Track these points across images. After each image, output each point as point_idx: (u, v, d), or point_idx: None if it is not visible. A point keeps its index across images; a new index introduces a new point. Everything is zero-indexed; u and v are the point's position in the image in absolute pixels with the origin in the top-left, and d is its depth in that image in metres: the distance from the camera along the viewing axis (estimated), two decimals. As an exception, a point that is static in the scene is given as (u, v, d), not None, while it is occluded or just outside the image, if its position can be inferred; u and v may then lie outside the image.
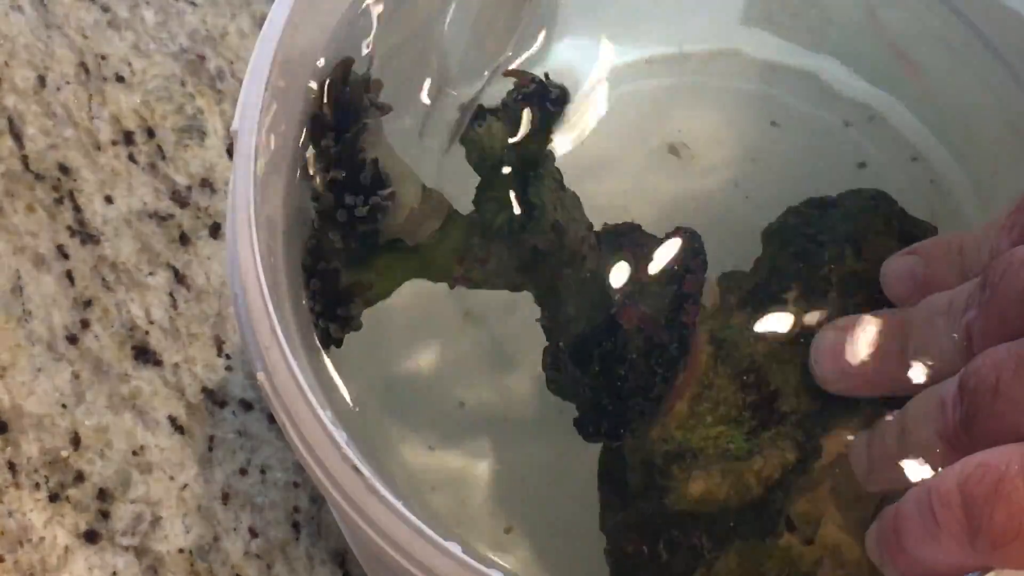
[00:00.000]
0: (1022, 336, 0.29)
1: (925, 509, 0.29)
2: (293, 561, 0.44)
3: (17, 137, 0.50)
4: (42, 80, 0.51)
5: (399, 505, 0.30)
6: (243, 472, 0.45)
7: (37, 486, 0.44)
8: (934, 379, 0.32)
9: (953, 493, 0.28)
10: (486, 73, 0.39)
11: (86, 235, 0.48)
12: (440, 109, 0.39)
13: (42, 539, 0.43)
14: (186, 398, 0.46)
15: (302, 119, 0.37)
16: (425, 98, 0.40)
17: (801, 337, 0.36)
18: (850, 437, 0.34)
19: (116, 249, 0.48)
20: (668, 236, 0.38)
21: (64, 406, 0.45)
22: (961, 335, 0.31)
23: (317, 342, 0.36)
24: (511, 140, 0.38)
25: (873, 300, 0.36)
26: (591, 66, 0.45)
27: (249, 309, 0.32)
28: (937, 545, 0.28)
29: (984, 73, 0.43)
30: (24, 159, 0.50)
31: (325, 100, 0.37)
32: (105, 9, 0.53)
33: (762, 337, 0.36)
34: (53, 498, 0.44)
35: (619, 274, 0.37)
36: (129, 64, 0.52)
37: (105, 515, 0.44)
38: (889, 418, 0.33)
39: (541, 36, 0.43)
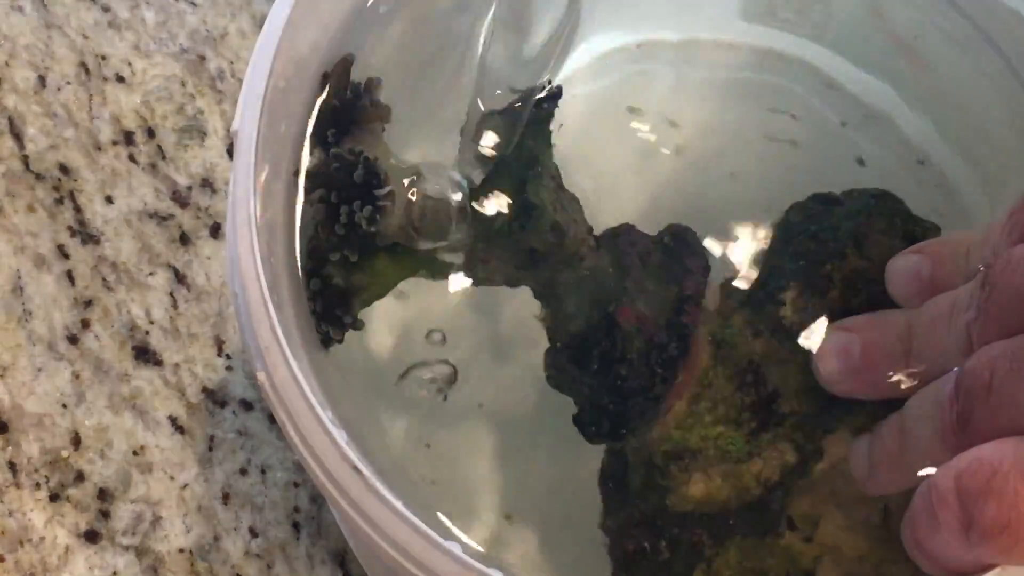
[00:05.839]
0: (1019, 334, 0.29)
1: (928, 504, 0.29)
2: (293, 561, 0.44)
3: (17, 137, 0.50)
4: (42, 80, 0.51)
5: (399, 505, 0.30)
6: (243, 472, 0.45)
7: (37, 486, 0.44)
8: (936, 380, 0.32)
9: (950, 488, 0.28)
10: (523, 94, 0.39)
11: (86, 235, 0.48)
12: (473, 119, 0.38)
13: (42, 539, 0.43)
14: (186, 398, 0.46)
15: (302, 119, 0.37)
16: (447, 105, 0.39)
17: (801, 337, 0.36)
18: (851, 438, 0.34)
19: (116, 249, 0.48)
20: (661, 233, 0.38)
21: (64, 406, 0.45)
22: (962, 335, 0.31)
23: (317, 342, 0.36)
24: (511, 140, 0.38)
25: (875, 299, 0.36)
26: (590, 61, 0.45)
27: (249, 309, 0.32)
28: (940, 538, 0.29)
29: (989, 71, 0.43)
30: (24, 159, 0.50)
31: (325, 101, 0.37)
32: (105, 9, 0.53)
33: (761, 337, 0.36)
34: (53, 498, 0.44)
35: (617, 274, 0.37)
36: (129, 64, 0.52)
37: (105, 515, 0.44)
38: (889, 419, 0.33)
39: (573, 48, 0.43)
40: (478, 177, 0.38)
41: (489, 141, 0.38)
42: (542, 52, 0.41)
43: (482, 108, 0.38)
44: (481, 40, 0.40)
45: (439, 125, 0.39)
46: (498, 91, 0.39)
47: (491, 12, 0.40)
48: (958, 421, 0.30)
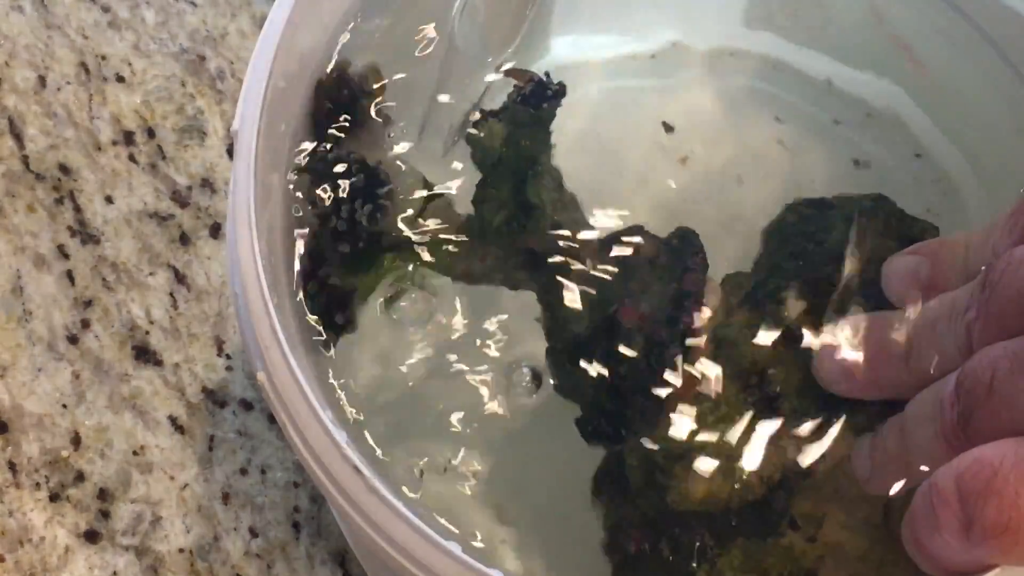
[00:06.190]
0: (1020, 335, 0.29)
1: (928, 504, 0.29)
2: (293, 561, 0.44)
3: (17, 137, 0.50)
4: (42, 80, 0.51)
5: (399, 505, 0.30)
6: (243, 472, 0.45)
7: (37, 486, 0.44)
8: (936, 381, 0.32)
9: (950, 488, 0.28)
10: (491, 74, 0.39)
11: (86, 235, 0.48)
12: (441, 110, 0.39)
13: (42, 539, 0.43)
14: (186, 398, 0.46)
15: (302, 119, 0.37)
16: (427, 99, 0.39)
17: (802, 337, 0.36)
18: (852, 437, 0.34)
19: (116, 249, 0.48)
20: (669, 235, 0.38)
21: (64, 406, 0.45)
22: (962, 336, 0.31)
23: (317, 342, 0.36)
24: (511, 140, 0.38)
25: (873, 300, 0.36)
26: (590, 63, 0.45)
27: (249, 309, 0.32)
28: (940, 539, 0.29)
29: (987, 70, 0.43)
30: (24, 159, 0.50)
31: (325, 101, 0.37)
32: (105, 9, 0.53)
33: (762, 336, 0.36)
34: (53, 498, 0.44)
35: (621, 275, 0.37)
36: (129, 64, 0.52)
37: (105, 515, 0.44)
38: (890, 420, 0.33)
39: (544, 34, 0.43)
40: (439, 141, 0.38)
41: (453, 124, 0.38)
42: (510, 24, 0.41)
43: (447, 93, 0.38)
44: (454, 12, 0.40)
45: (427, 119, 0.39)
46: (467, 58, 0.39)
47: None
48: (959, 422, 0.30)
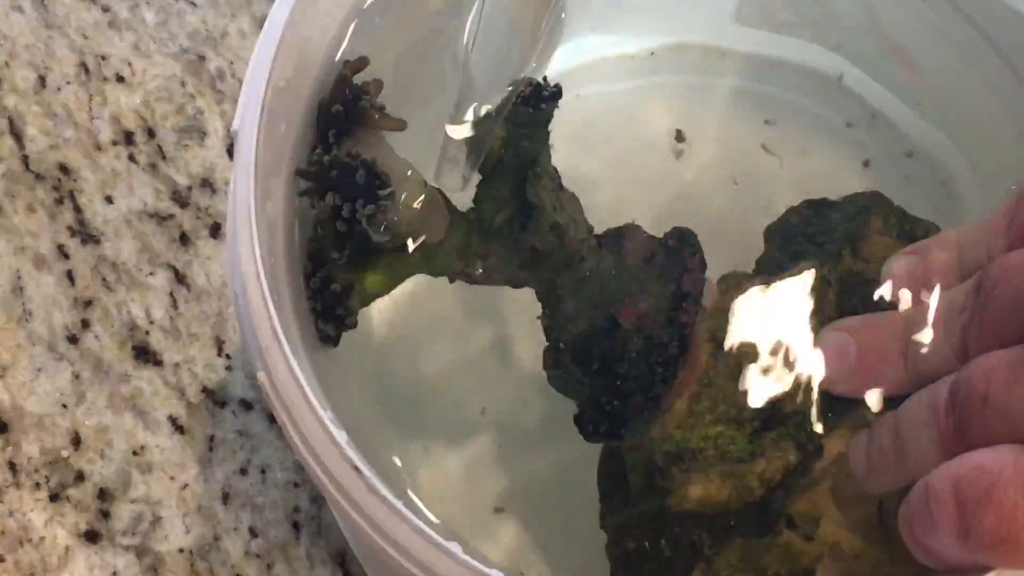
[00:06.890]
0: (1014, 343, 0.29)
1: (924, 504, 0.29)
2: (293, 561, 0.44)
3: (17, 137, 0.50)
4: (42, 80, 0.51)
5: (399, 505, 0.30)
6: (243, 472, 0.45)
7: (37, 486, 0.44)
8: (933, 380, 0.32)
9: (948, 492, 0.28)
10: (509, 86, 0.38)
11: (86, 235, 0.48)
12: (456, 143, 0.38)
13: (43, 539, 0.43)
14: (186, 398, 0.46)
15: (302, 119, 0.37)
16: (442, 107, 0.39)
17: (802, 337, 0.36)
18: (850, 437, 0.34)
19: (116, 249, 0.48)
20: (666, 235, 0.38)
21: (64, 406, 0.46)
22: (957, 338, 0.31)
23: (317, 342, 0.36)
24: (510, 140, 0.38)
25: (872, 300, 0.36)
26: (589, 63, 0.45)
27: (249, 309, 0.32)
28: (936, 537, 0.29)
29: (987, 70, 0.43)
30: (24, 159, 0.50)
31: (326, 101, 0.37)
32: (105, 9, 0.53)
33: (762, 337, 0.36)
34: (53, 498, 0.44)
35: (618, 273, 0.37)
36: (129, 64, 0.52)
37: (105, 515, 0.44)
38: (885, 419, 0.33)
39: (559, 43, 0.43)
40: (457, 174, 0.38)
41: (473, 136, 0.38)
42: (526, 45, 0.41)
43: (468, 110, 0.38)
44: (466, 35, 0.40)
45: (429, 124, 0.39)
46: (483, 85, 0.39)
47: (476, 7, 0.40)
48: (954, 431, 0.29)
